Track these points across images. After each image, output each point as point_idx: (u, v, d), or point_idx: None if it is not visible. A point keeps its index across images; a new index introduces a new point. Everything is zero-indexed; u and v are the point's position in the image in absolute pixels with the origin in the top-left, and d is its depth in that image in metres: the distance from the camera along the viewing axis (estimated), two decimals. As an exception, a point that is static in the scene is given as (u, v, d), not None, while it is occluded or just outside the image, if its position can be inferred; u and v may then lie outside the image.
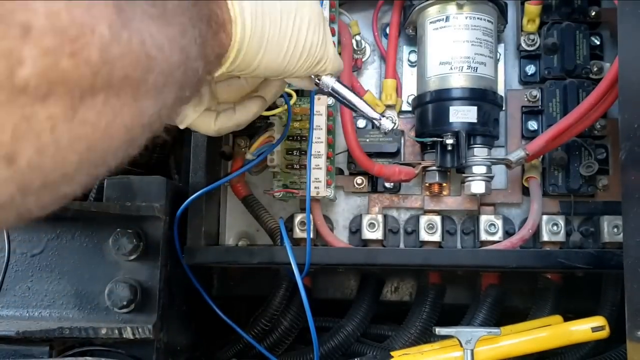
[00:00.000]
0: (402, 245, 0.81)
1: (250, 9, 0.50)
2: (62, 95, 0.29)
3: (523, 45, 0.80)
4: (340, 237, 0.80)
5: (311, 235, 0.75)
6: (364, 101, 0.63)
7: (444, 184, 0.79)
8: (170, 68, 0.38)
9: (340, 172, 0.82)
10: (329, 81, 0.60)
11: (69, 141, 0.31)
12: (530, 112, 0.80)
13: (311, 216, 0.77)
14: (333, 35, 0.76)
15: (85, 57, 0.30)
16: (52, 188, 0.32)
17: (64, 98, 0.29)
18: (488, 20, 0.75)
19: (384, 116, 0.63)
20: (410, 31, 0.81)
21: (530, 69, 0.81)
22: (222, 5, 0.48)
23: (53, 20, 0.28)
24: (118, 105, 0.33)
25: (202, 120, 0.64)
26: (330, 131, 0.77)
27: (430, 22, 0.76)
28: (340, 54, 0.78)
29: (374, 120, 0.63)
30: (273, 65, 0.54)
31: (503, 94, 0.80)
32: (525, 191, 0.79)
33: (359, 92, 0.80)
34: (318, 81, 0.61)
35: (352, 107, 0.63)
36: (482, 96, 0.73)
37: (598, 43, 0.80)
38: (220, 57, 0.49)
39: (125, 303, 0.69)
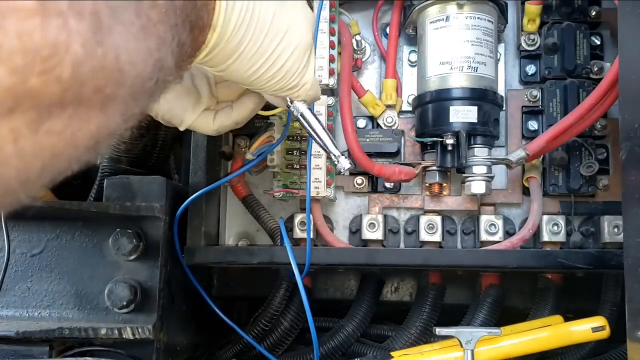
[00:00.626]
0: (402, 246, 0.81)
1: (235, 20, 0.49)
2: (28, 109, 0.29)
3: (523, 45, 0.80)
4: (340, 237, 0.80)
5: (311, 235, 0.75)
6: (329, 136, 0.62)
7: (444, 184, 0.79)
8: (143, 81, 0.37)
9: (340, 172, 0.82)
10: (300, 107, 0.61)
11: (33, 151, 0.31)
12: (530, 112, 0.80)
13: (311, 216, 0.76)
14: (333, 35, 0.76)
15: (56, 75, 0.29)
16: (12, 193, 0.32)
17: (30, 112, 0.29)
18: (488, 20, 0.74)
19: (343, 155, 0.63)
20: (411, 31, 0.81)
21: (531, 69, 0.81)
22: (210, 10, 0.47)
23: (25, 40, 0.28)
24: (86, 117, 0.33)
25: (201, 120, 0.64)
26: (331, 131, 0.77)
27: (431, 22, 0.75)
28: (340, 54, 0.78)
29: (332, 156, 0.63)
30: (240, 76, 0.54)
31: (503, 94, 0.80)
32: (526, 191, 0.79)
33: (358, 93, 0.80)
34: (290, 103, 0.61)
35: (316, 138, 0.62)
36: (482, 96, 0.73)
37: (598, 43, 0.80)
38: (191, 56, 0.48)
39: (125, 303, 0.69)
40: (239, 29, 0.50)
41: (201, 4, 0.45)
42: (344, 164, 0.63)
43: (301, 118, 0.61)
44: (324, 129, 0.62)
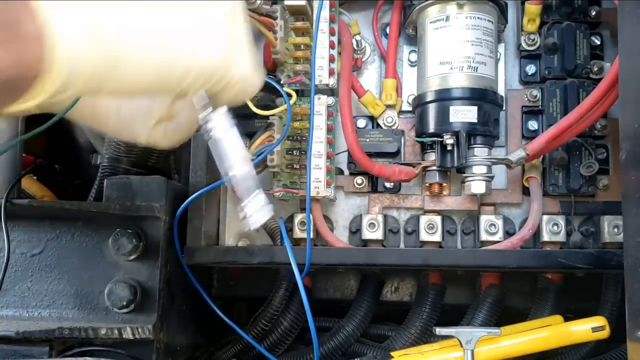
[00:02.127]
0: (402, 246, 0.80)
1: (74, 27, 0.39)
2: None
3: (523, 45, 0.80)
4: (340, 237, 0.80)
5: (311, 235, 0.75)
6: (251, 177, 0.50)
7: (444, 184, 0.79)
8: None
9: (340, 172, 0.82)
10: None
11: None
12: (530, 112, 0.80)
13: (311, 216, 0.76)
14: (333, 35, 0.76)
15: None
16: None
17: None
18: (488, 20, 0.74)
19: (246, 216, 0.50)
20: (411, 31, 0.80)
21: (531, 69, 0.80)
22: (29, 11, 0.37)
23: None
24: None
25: (156, 133, 0.58)
26: (330, 131, 0.77)
27: (431, 22, 0.75)
28: (340, 54, 0.78)
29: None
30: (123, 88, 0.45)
31: (503, 94, 0.80)
32: (526, 191, 0.79)
33: (358, 93, 0.80)
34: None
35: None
36: (482, 96, 0.73)
37: (598, 43, 0.80)
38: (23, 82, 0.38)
39: (125, 303, 0.69)
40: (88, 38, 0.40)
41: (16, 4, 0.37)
42: (248, 218, 0.50)
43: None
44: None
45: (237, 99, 0.51)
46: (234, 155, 0.49)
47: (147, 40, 0.43)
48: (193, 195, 0.73)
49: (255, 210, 0.48)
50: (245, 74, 0.49)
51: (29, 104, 0.40)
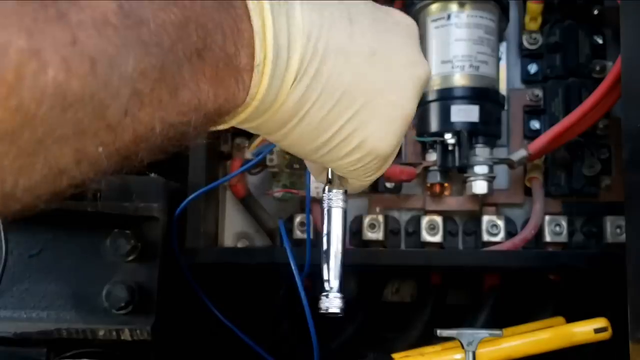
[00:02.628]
0: (403, 246, 0.80)
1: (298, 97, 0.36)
2: None
3: (525, 44, 0.79)
4: (340, 237, 0.79)
5: (311, 236, 0.74)
6: (341, 256, 0.48)
7: (446, 184, 0.78)
8: None
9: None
10: (335, 197, 0.48)
11: None
12: (532, 112, 0.79)
13: (311, 216, 0.76)
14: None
15: None
16: None
17: None
18: (490, 19, 0.74)
19: (334, 290, 0.48)
20: (411, 30, 0.80)
21: (533, 68, 0.80)
22: (242, 44, 0.33)
23: None
24: None
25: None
26: (330, 131, 0.76)
27: (432, 21, 0.75)
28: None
29: (325, 283, 0.48)
30: (298, 149, 0.42)
31: (505, 93, 0.79)
32: (528, 191, 0.78)
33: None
34: (329, 183, 0.48)
35: (325, 250, 0.48)
36: (483, 95, 0.73)
37: (601, 42, 0.79)
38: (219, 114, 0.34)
39: (123, 304, 0.69)
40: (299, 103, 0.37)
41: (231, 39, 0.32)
42: (332, 303, 0.48)
43: (326, 210, 0.48)
44: (342, 245, 0.48)
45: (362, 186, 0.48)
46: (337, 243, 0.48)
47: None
48: (191, 196, 0.73)
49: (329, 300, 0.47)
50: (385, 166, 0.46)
51: (222, 125, 0.37)
